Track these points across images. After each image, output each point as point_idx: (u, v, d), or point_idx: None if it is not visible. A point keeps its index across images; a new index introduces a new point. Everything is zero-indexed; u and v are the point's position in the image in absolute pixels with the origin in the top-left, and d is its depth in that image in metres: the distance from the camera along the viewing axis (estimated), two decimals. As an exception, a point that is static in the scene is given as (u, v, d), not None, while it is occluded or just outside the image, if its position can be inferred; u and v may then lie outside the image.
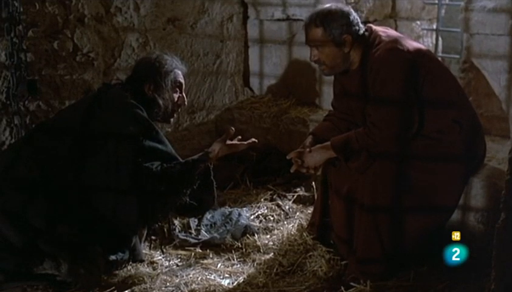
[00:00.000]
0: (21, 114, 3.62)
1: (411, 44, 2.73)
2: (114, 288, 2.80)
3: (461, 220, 2.78)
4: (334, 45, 2.79)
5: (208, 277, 2.95)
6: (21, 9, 3.46)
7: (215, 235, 3.30)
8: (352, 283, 2.67)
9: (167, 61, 3.08)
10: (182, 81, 3.13)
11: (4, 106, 3.57)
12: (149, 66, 3.07)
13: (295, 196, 3.69)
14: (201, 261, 3.11)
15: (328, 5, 2.86)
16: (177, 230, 3.31)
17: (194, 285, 2.87)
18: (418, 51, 2.71)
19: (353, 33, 2.77)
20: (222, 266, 3.05)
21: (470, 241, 2.61)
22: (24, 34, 3.52)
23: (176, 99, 3.11)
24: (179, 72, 3.12)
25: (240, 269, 3.01)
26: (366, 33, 2.82)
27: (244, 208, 3.57)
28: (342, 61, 2.83)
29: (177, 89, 3.11)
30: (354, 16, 2.80)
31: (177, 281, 2.90)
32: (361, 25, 2.82)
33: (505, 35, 3.08)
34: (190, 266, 3.07)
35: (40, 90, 3.65)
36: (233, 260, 3.11)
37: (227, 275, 2.97)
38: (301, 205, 3.63)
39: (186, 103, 3.21)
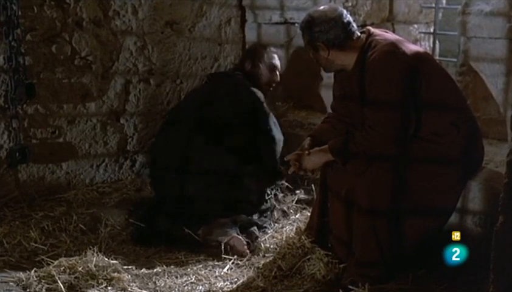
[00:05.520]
0: (19, 118, 3.62)
1: (408, 47, 2.74)
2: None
3: (459, 223, 2.77)
4: (312, 49, 2.89)
5: (206, 279, 2.95)
6: (19, 13, 3.47)
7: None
8: (350, 286, 2.66)
9: (261, 46, 3.95)
10: (275, 61, 3.79)
11: (2, 109, 3.57)
12: (250, 49, 4.03)
13: (294, 199, 3.69)
14: (200, 264, 3.11)
15: (318, 9, 2.91)
16: None
17: (192, 287, 2.88)
18: (415, 53, 2.72)
19: (326, 41, 2.81)
20: (220, 269, 3.05)
21: (468, 244, 2.61)
22: (22, 37, 3.53)
23: (268, 75, 3.75)
24: (273, 55, 3.82)
25: (239, 272, 3.02)
26: (363, 36, 2.84)
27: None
28: (326, 63, 2.91)
29: (271, 68, 3.76)
30: (341, 21, 2.80)
31: (176, 282, 2.91)
32: (354, 29, 2.83)
33: (502, 38, 3.09)
34: (188, 268, 3.07)
35: (38, 93, 3.65)
36: (232, 263, 3.12)
37: (225, 278, 2.97)
38: (300, 208, 3.63)
39: (277, 80, 3.83)
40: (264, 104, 3.60)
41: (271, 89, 3.82)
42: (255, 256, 3.18)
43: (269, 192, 3.57)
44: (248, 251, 3.18)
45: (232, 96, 3.55)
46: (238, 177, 3.45)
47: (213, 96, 3.58)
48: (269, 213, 3.50)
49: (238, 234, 3.25)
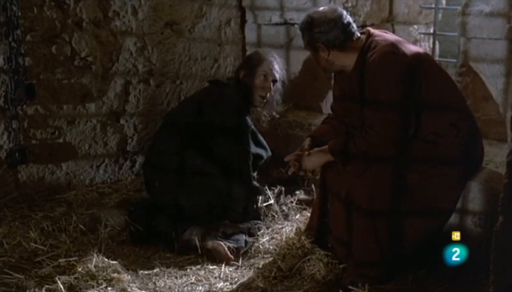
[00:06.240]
0: (19, 118, 3.62)
1: (408, 48, 2.74)
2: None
3: (459, 223, 2.78)
4: (312, 50, 2.90)
5: (206, 280, 2.95)
6: (19, 13, 3.47)
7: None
8: (350, 287, 2.67)
9: (261, 54, 3.63)
10: (269, 70, 3.54)
11: (2, 110, 3.57)
12: (247, 56, 3.89)
13: (294, 200, 3.69)
14: (199, 265, 3.11)
15: (317, 10, 2.92)
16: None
17: (192, 287, 2.88)
18: (415, 54, 2.73)
19: (326, 42, 2.81)
20: (220, 270, 3.05)
21: (468, 244, 2.62)
22: (22, 38, 3.53)
23: (261, 85, 3.53)
24: (270, 64, 3.56)
25: (239, 273, 3.02)
26: (363, 36, 2.84)
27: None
28: (326, 64, 2.91)
29: (265, 77, 3.54)
30: (341, 22, 2.81)
31: (175, 283, 2.91)
32: (354, 30, 2.84)
33: (501, 39, 3.10)
34: (188, 269, 3.07)
35: (38, 94, 3.65)
36: (232, 263, 3.12)
37: (225, 279, 2.97)
38: (300, 209, 3.63)
39: (269, 89, 3.56)
40: (246, 118, 3.53)
41: (264, 100, 3.57)
42: (255, 256, 3.18)
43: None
44: (232, 256, 3.15)
45: (215, 107, 3.48)
46: (226, 184, 3.44)
47: (202, 104, 3.53)
48: (256, 221, 3.45)
49: (218, 239, 3.23)
